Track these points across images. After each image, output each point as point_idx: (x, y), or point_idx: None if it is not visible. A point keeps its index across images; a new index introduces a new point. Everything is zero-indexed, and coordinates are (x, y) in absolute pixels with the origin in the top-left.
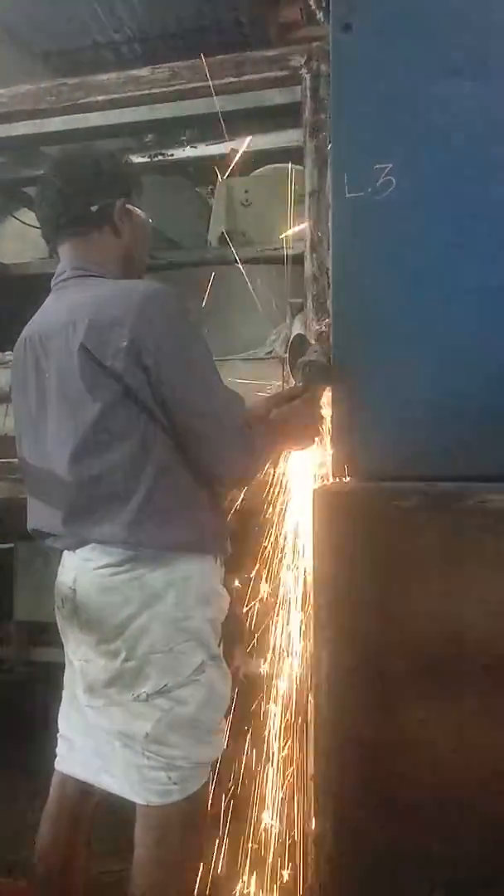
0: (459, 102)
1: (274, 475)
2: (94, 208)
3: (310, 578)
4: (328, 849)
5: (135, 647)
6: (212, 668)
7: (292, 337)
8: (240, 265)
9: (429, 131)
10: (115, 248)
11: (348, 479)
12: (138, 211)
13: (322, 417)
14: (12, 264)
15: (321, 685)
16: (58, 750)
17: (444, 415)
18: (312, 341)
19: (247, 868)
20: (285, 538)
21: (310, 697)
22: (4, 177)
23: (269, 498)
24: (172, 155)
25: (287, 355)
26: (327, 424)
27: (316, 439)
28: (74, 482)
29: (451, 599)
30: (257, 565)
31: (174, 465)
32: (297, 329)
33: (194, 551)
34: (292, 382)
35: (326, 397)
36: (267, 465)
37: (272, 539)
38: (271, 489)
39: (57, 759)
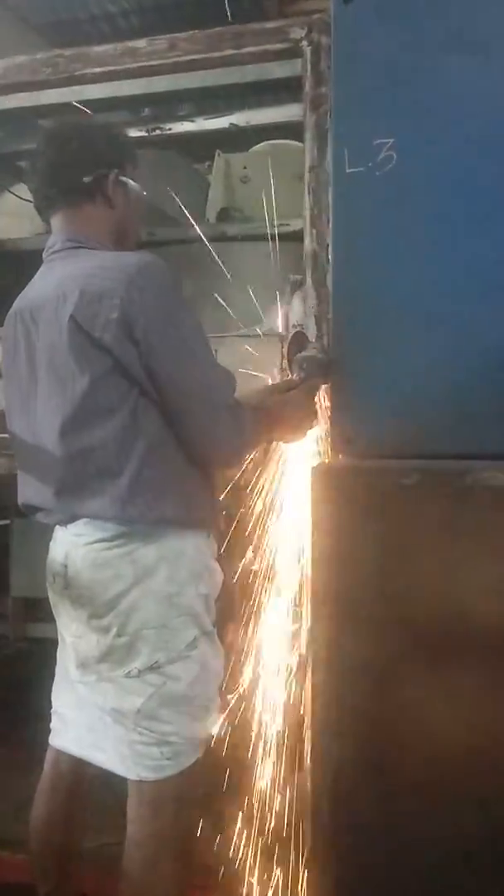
0: (462, 76)
1: (269, 453)
2: (86, 179)
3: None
4: (325, 827)
5: (126, 623)
6: (205, 644)
7: (291, 334)
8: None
9: (431, 106)
10: (108, 220)
11: (347, 456)
12: (132, 183)
13: (316, 411)
14: (8, 240)
15: (317, 660)
16: (51, 725)
17: (444, 392)
18: (311, 338)
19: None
20: (281, 515)
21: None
22: (0, 150)
23: (266, 474)
24: (170, 129)
25: (285, 351)
26: (321, 419)
27: (308, 433)
28: (64, 456)
29: (451, 577)
30: (252, 541)
31: (165, 440)
32: (296, 306)
33: (186, 527)
34: (293, 374)
35: (322, 392)
36: (256, 451)
37: (269, 515)
38: (268, 466)
39: (51, 734)
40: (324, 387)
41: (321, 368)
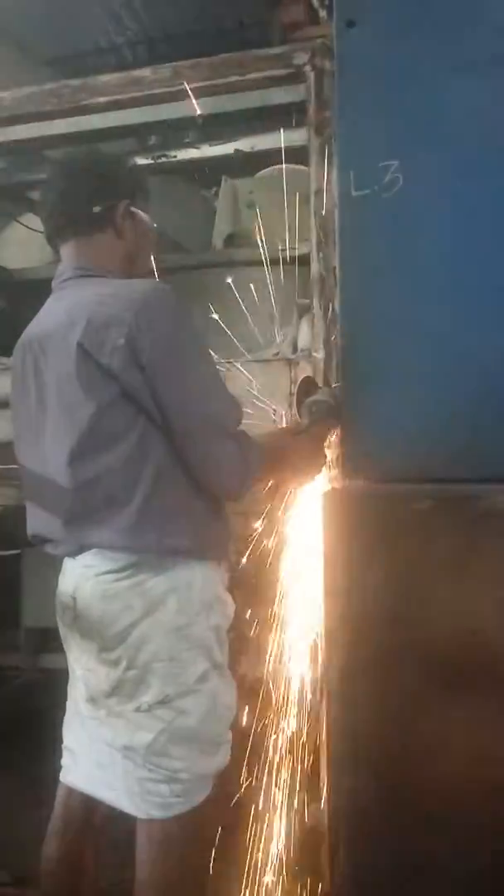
0: (465, 98)
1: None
2: (96, 210)
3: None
4: (341, 860)
5: (136, 656)
6: (216, 678)
7: (301, 378)
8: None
9: (435, 128)
10: (118, 250)
11: (359, 481)
12: (142, 213)
13: (325, 456)
14: (18, 269)
15: (333, 691)
16: (62, 762)
17: (455, 415)
18: (319, 362)
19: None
20: (294, 542)
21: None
22: (8, 181)
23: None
24: (176, 156)
25: (295, 396)
26: (329, 463)
27: (315, 477)
28: (72, 485)
29: (466, 603)
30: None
31: (173, 468)
32: (304, 330)
33: (196, 556)
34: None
35: (331, 437)
36: (260, 486)
37: (280, 542)
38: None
39: (62, 770)
40: (333, 431)
41: (330, 413)
